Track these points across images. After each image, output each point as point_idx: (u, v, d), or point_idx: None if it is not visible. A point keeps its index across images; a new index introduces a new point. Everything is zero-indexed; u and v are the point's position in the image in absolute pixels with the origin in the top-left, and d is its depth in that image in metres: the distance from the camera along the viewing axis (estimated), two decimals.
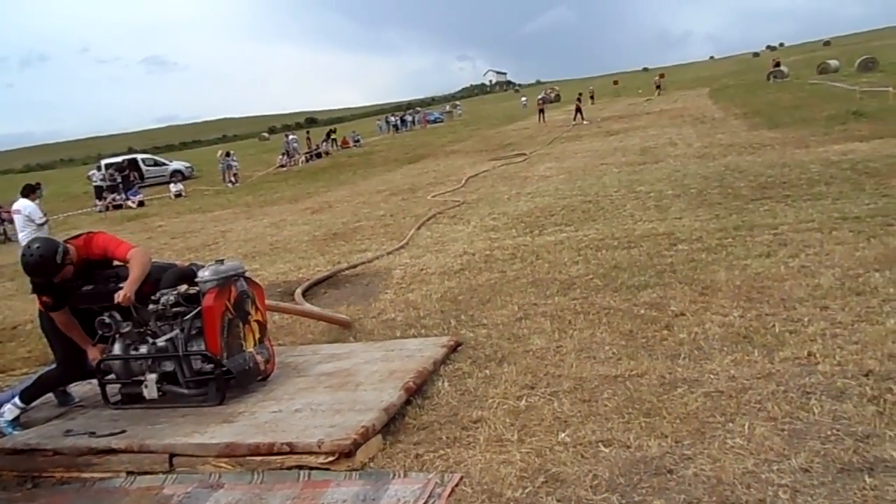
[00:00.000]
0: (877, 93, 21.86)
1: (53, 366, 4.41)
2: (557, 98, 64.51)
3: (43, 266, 3.92)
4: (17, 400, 4.18)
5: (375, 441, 3.24)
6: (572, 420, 3.28)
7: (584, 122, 30.68)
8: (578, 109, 32.86)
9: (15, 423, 4.13)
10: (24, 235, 9.71)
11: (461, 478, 2.89)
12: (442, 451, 3.15)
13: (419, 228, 10.21)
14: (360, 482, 2.95)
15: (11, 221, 13.27)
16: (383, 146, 38.78)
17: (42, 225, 9.84)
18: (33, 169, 57.56)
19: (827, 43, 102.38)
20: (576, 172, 14.18)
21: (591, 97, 47.35)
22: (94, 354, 4.14)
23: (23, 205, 9.87)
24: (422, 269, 7.47)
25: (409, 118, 58.27)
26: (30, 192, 9.91)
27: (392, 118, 58.47)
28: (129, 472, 3.37)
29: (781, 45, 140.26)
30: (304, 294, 7.01)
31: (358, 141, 43.48)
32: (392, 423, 3.49)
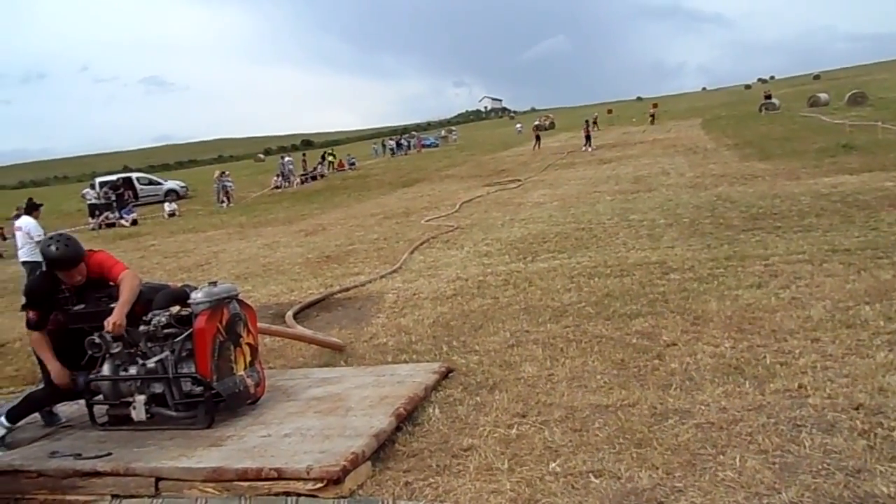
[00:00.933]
0: (866, 126, 22.15)
1: (41, 385, 4.37)
2: (552, 125, 65.03)
3: (72, 254, 4.00)
4: (2, 419, 4.12)
5: (365, 468, 3.22)
6: (563, 450, 3.27)
7: (591, 150, 30.17)
8: (588, 136, 32.04)
9: (0, 442, 4.07)
10: (23, 252, 9.84)
11: None
12: (431, 480, 3.13)
13: (412, 253, 10.22)
14: None
15: (5, 238, 13.22)
16: (378, 170, 38.94)
17: (40, 242, 9.89)
18: (27, 185, 57.55)
19: (817, 77, 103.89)
20: (569, 200, 14.27)
21: (595, 123, 45.97)
22: (61, 379, 4.04)
23: (24, 222, 10.04)
24: (414, 294, 7.46)
25: (404, 142, 58.61)
26: (33, 209, 10.07)
27: (390, 142, 58.79)
28: (115, 496, 3.32)
29: (772, 77, 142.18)
30: (295, 317, 6.99)
31: (353, 164, 43.67)
32: (382, 450, 3.46)
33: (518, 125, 64.70)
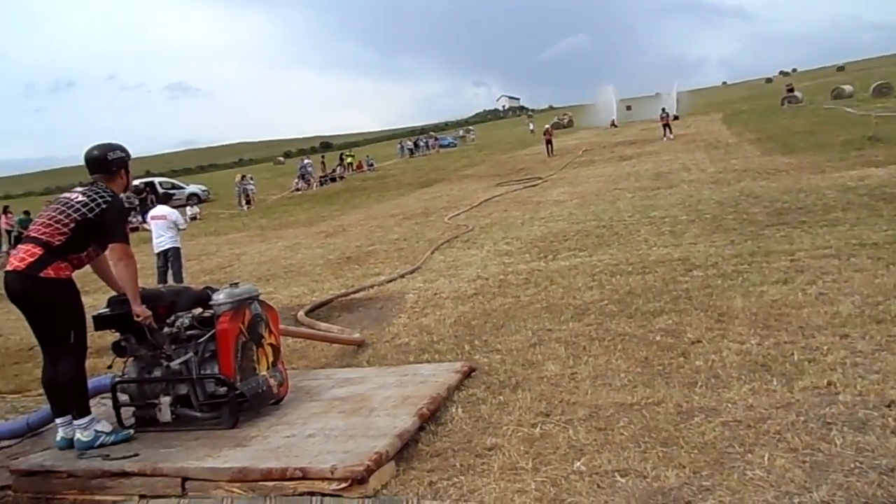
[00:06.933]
0: (892, 118, 21.77)
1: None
2: (570, 123, 64.65)
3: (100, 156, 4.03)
4: (79, 421, 3.85)
5: (388, 468, 3.21)
6: (588, 448, 3.24)
7: (670, 138, 29.11)
8: (667, 125, 31.16)
9: (111, 434, 3.88)
10: (165, 240, 10.02)
11: None
12: (455, 479, 3.11)
13: (433, 252, 10.22)
14: None
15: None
16: (397, 170, 39.04)
17: (182, 230, 10.58)
18: (53, 191, 58.43)
19: (841, 68, 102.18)
20: (589, 197, 14.19)
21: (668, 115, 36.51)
22: (145, 312, 3.92)
23: (165, 210, 10.42)
24: (435, 294, 7.46)
25: (422, 143, 58.66)
26: (168, 198, 10.30)
27: (408, 143, 58.83)
28: (142, 496, 3.35)
29: (794, 70, 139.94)
30: (308, 315, 7.04)
31: (372, 165, 43.81)
32: (405, 450, 3.45)
33: (530, 125, 64.20)
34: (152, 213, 10.84)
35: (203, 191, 36.30)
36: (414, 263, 9.52)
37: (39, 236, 3.77)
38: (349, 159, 44.92)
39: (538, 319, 5.73)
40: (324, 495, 3.04)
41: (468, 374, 4.57)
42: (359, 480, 3.01)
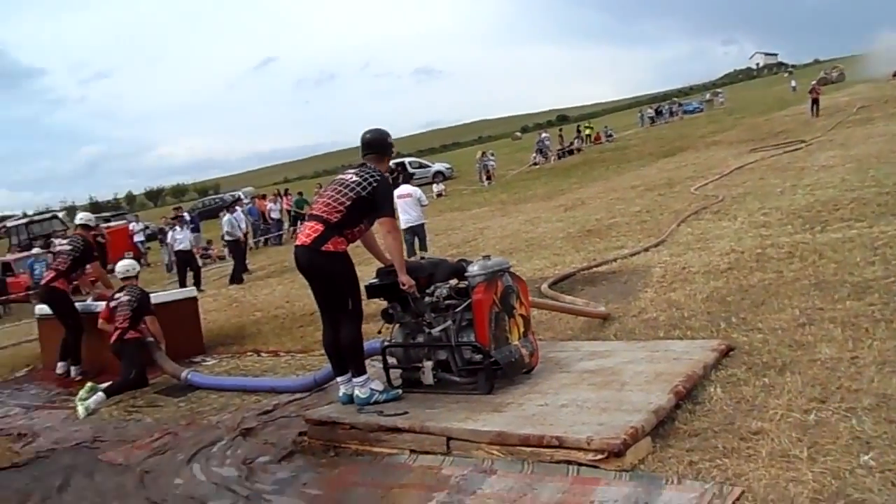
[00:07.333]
0: None
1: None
2: (841, 77, 56.97)
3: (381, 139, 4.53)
4: (357, 379, 4.27)
5: (645, 443, 3.16)
6: (876, 442, 2.88)
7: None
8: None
9: (383, 392, 4.26)
10: (413, 217, 11.10)
11: (742, 492, 2.69)
12: (718, 461, 2.96)
13: (679, 225, 9.74)
14: (630, 484, 2.89)
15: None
16: (637, 140, 37.63)
17: (424, 206, 11.77)
18: (321, 175, 65.83)
19: None
20: (867, 161, 12.41)
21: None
22: (406, 280, 4.25)
23: (411, 189, 11.58)
24: (684, 268, 7.11)
25: (664, 110, 55.74)
26: (410, 178, 11.55)
27: (648, 110, 56.32)
28: (412, 451, 3.68)
29: None
30: (551, 288, 7.11)
31: (611, 136, 42.71)
32: (661, 427, 3.37)
33: (792, 82, 57.49)
34: (398, 192, 11.58)
35: (447, 168, 38.22)
36: (659, 236, 9.15)
37: (321, 214, 4.27)
38: (587, 131, 44.25)
39: (806, 297, 5.20)
40: (580, 465, 3.08)
41: (726, 352, 4.31)
42: (616, 453, 3.00)
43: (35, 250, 21.20)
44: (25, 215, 38.19)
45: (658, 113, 54.37)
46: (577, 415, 3.48)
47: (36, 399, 7.05)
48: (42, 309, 8.06)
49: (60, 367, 7.47)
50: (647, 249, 8.47)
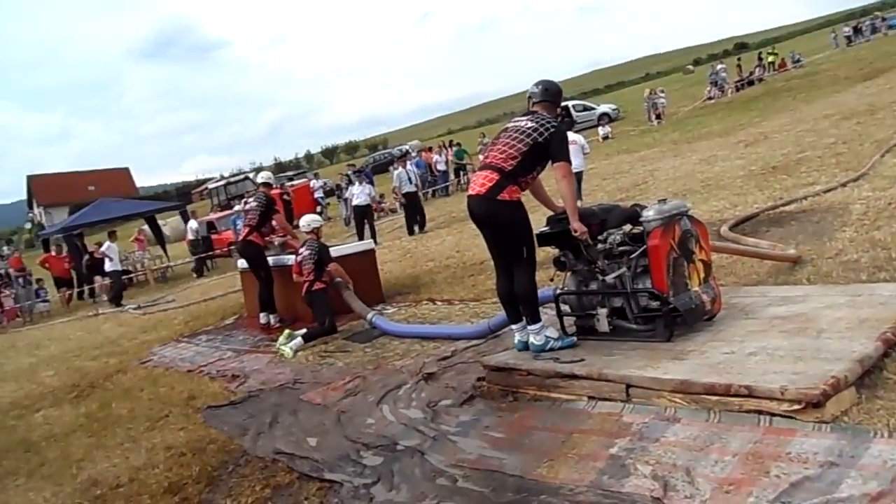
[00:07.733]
0: None
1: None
2: None
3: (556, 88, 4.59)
4: (532, 326, 4.33)
5: (848, 394, 2.92)
6: None
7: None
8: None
9: (558, 339, 4.29)
10: (574, 165, 11.49)
11: None
12: None
13: (884, 155, 8.71)
14: (832, 436, 2.70)
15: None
16: (830, 64, 33.72)
17: (587, 154, 12.82)
18: (482, 124, 66.16)
19: None
20: None
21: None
22: (582, 228, 4.22)
23: (574, 136, 11.91)
24: (890, 203, 6.39)
25: (864, 27, 49.23)
26: (573, 125, 12.14)
27: (845, 29, 50.09)
28: (591, 398, 3.69)
29: None
30: (731, 230, 6.68)
31: (798, 61, 38.61)
32: (866, 377, 3.09)
33: None
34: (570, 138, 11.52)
35: (613, 109, 36.77)
36: (858, 169, 8.25)
37: (496, 163, 4.29)
38: (770, 58, 40.20)
39: None
40: (773, 415, 2.92)
41: None
42: (814, 404, 2.81)
43: (237, 207, 23.49)
44: (222, 177, 42.19)
45: (857, 31, 48.13)
46: (768, 363, 3.28)
47: (243, 344, 7.92)
48: (242, 263, 8.95)
49: (262, 318, 8.31)
50: (844, 185, 7.70)
